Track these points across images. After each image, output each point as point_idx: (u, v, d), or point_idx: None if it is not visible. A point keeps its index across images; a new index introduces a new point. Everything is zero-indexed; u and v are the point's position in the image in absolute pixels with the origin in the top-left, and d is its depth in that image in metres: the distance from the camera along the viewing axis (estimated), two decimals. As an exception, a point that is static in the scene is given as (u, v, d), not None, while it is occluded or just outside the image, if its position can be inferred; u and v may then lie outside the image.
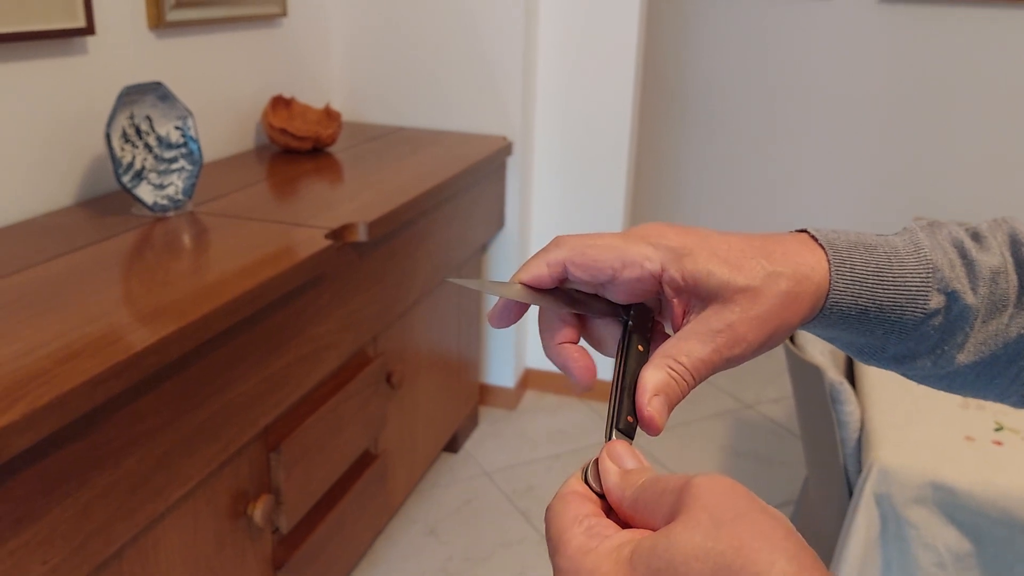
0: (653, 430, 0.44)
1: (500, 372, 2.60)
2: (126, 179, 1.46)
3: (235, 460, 1.28)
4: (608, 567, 0.35)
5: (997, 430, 1.33)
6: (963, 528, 1.20)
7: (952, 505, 1.20)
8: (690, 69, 3.60)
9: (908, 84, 3.36)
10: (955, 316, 0.47)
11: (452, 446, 2.37)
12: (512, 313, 0.49)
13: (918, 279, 0.47)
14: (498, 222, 2.40)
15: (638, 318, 0.48)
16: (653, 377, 0.44)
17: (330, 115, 2.12)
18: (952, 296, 0.47)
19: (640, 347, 0.46)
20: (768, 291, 0.45)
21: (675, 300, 0.46)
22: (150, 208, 1.48)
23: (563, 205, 2.54)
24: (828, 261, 0.46)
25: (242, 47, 2.00)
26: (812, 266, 0.46)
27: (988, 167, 3.36)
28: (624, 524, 0.39)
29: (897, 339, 0.48)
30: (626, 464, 0.41)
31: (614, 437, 0.44)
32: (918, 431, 1.29)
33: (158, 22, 1.68)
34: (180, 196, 1.54)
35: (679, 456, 2.39)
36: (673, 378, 0.44)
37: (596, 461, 0.43)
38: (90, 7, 1.49)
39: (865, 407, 1.32)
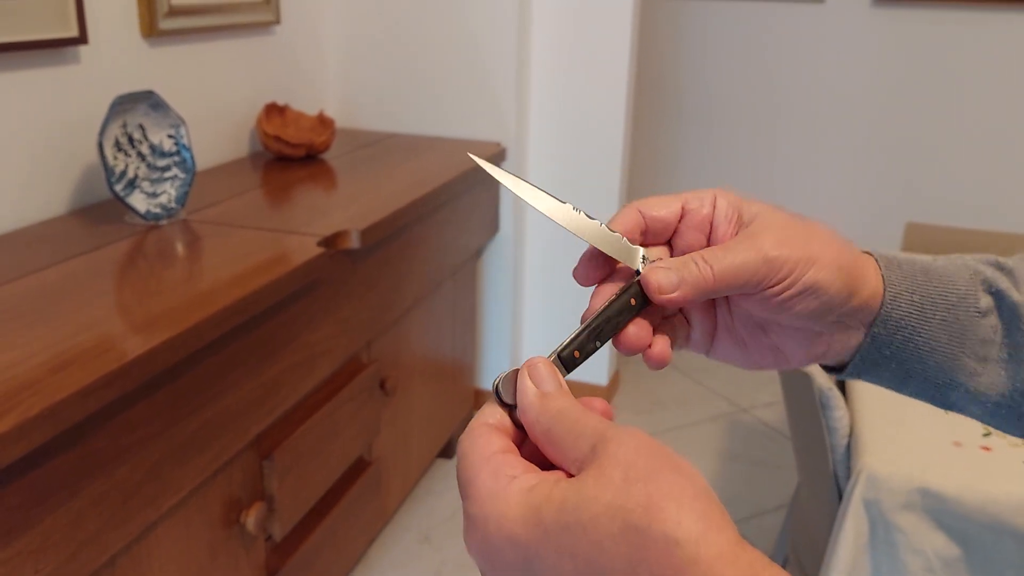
0: (654, 289, 0.45)
1: (496, 376, 2.60)
2: (119, 188, 1.47)
3: (228, 468, 1.28)
4: (516, 513, 0.34)
5: (985, 435, 1.34)
6: (951, 533, 1.21)
7: (940, 511, 1.21)
8: (684, 73, 3.61)
9: (902, 87, 3.37)
10: (1008, 315, 0.47)
11: (447, 451, 2.37)
12: (599, 266, 0.48)
13: (963, 280, 0.47)
14: (492, 227, 2.41)
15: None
16: (670, 261, 0.45)
17: (324, 122, 2.13)
18: (999, 295, 0.47)
19: (633, 301, 0.46)
20: (829, 237, 0.46)
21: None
22: (143, 216, 1.48)
23: (557, 210, 2.54)
24: (876, 262, 0.47)
25: (236, 54, 2.00)
26: (865, 265, 0.46)
27: (983, 170, 3.38)
28: (532, 448, 0.39)
29: (960, 344, 0.47)
30: (545, 386, 0.40)
31: (550, 360, 0.43)
32: (907, 437, 1.30)
33: (151, 30, 1.69)
34: (173, 204, 1.54)
35: (673, 460, 2.39)
36: (696, 264, 0.45)
37: (514, 373, 0.42)
38: (83, 16, 1.50)
39: (854, 413, 1.33)
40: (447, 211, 2.01)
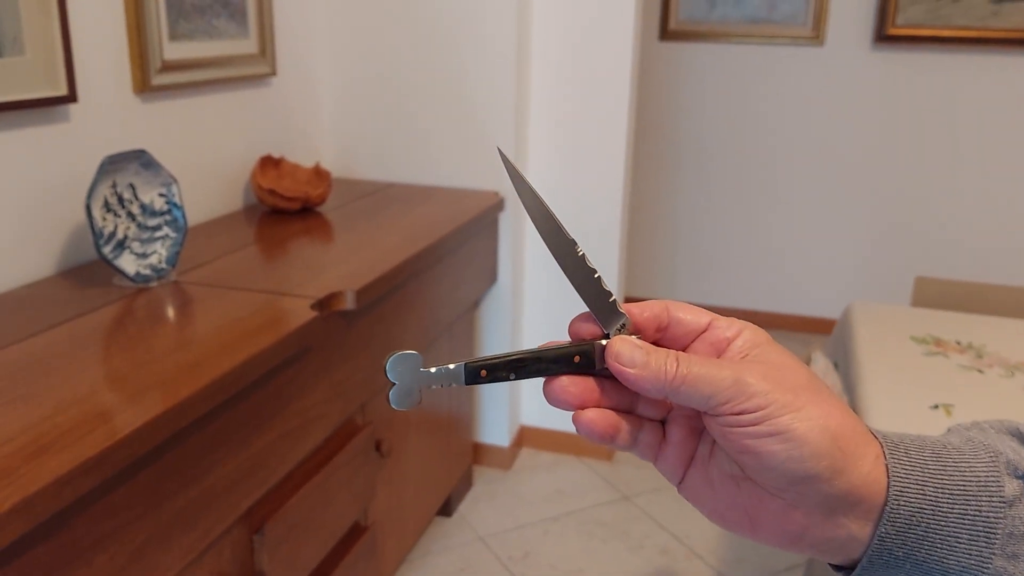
0: (612, 353, 0.44)
1: (494, 430, 2.55)
2: (107, 250, 1.43)
3: (216, 545, 1.23)
4: None
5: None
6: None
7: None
8: (682, 116, 3.60)
9: (905, 132, 3.35)
10: None
11: (446, 509, 2.31)
12: (590, 330, 0.47)
13: (982, 464, 0.41)
14: (490, 278, 2.37)
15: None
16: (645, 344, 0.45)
17: (319, 174, 2.10)
18: None
19: (577, 359, 0.45)
20: (833, 405, 0.42)
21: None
22: (132, 279, 1.44)
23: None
24: (882, 448, 0.42)
25: (231, 108, 1.98)
26: (864, 445, 0.42)
27: (989, 217, 3.34)
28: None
29: (987, 541, 0.40)
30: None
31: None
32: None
33: (143, 86, 1.66)
34: (163, 265, 1.50)
35: (678, 518, 2.33)
36: (667, 356, 0.43)
37: (409, 356, 0.44)
38: (72, 74, 1.47)
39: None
40: (444, 264, 1.97)
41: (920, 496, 0.40)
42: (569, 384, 0.44)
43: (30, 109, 1.43)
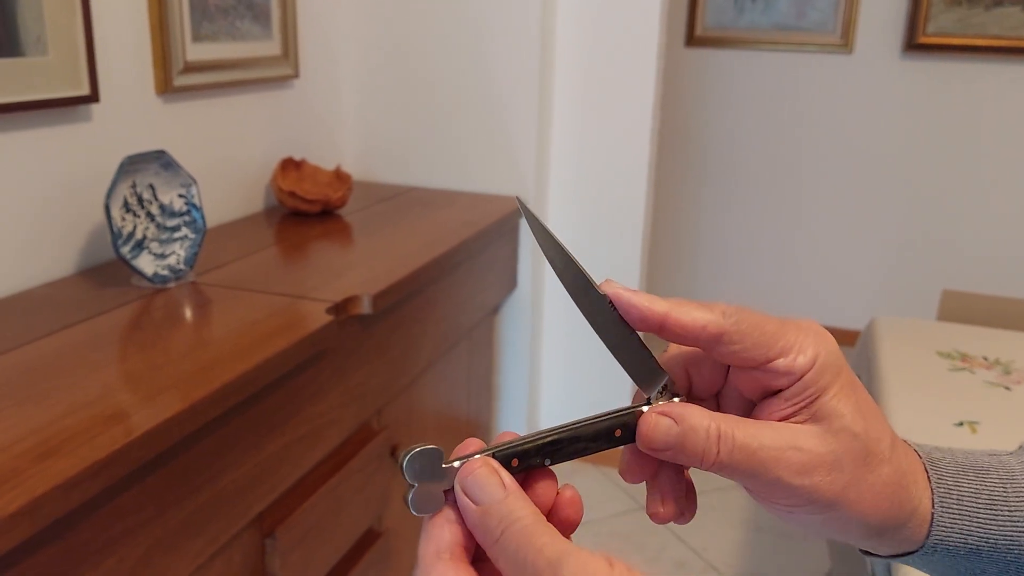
0: (642, 436, 0.39)
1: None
2: (125, 250, 1.43)
3: (226, 550, 1.22)
4: None
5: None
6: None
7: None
8: (708, 124, 3.57)
9: (935, 142, 3.30)
10: None
11: (461, 515, 2.29)
12: (645, 468, 0.42)
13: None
14: (510, 283, 2.35)
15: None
16: (684, 411, 0.38)
17: (340, 177, 2.10)
18: None
19: (619, 432, 0.40)
20: (892, 461, 0.38)
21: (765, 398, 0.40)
22: (150, 279, 1.44)
23: (578, 266, 2.49)
24: (931, 489, 0.39)
25: (253, 109, 1.98)
26: (917, 492, 0.39)
27: (1019, 230, 3.28)
28: None
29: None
30: (485, 497, 0.35)
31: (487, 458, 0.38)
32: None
33: (166, 87, 1.66)
34: (181, 266, 1.50)
35: (695, 530, 2.30)
36: (709, 434, 0.38)
37: (430, 452, 0.37)
38: (94, 75, 1.47)
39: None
40: (464, 269, 1.96)
41: (961, 544, 0.39)
42: (627, 474, 0.41)
43: (52, 109, 1.43)
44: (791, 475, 0.37)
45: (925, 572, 0.42)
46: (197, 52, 1.73)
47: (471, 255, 1.97)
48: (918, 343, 1.64)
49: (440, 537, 0.36)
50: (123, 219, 1.45)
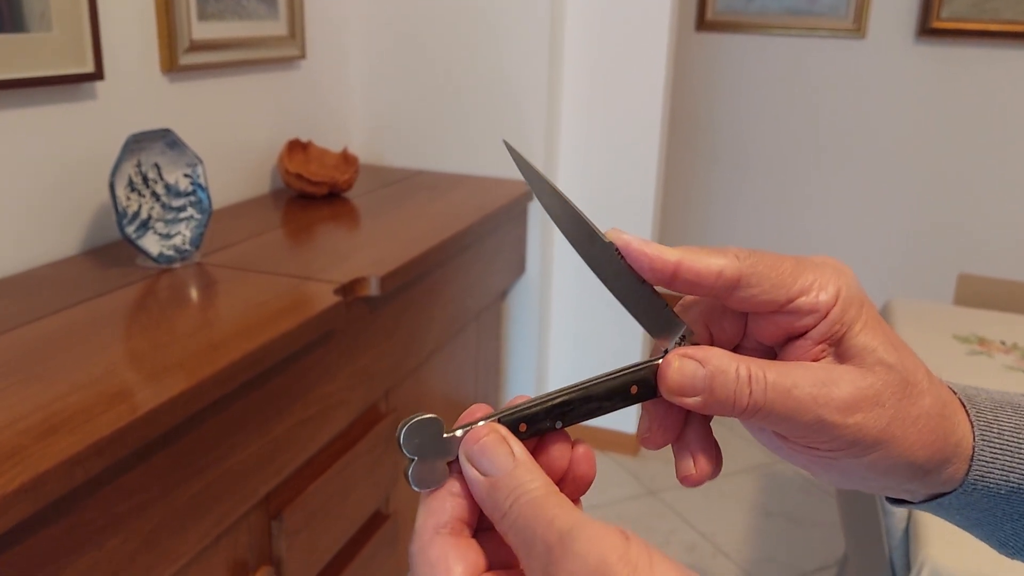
0: (668, 385, 0.36)
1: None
2: (130, 230, 1.41)
3: (233, 531, 1.20)
4: None
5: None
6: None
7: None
8: (719, 109, 3.53)
9: (949, 127, 3.26)
10: None
11: (469, 500, 2.28)
12: (669, 428, 0.39)
13: None
14: (519, 267, 2.33)
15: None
16: (710, 352, 0.36)
17: (347, 159, 2.07)
18: None
19: (635, 390, 0.38)
20: (931, 391, 0.36)
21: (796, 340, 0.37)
22: (155, 259, 1.42)
23: (587, 250, 2.47)
24: (971, 423, 0.37)
25: (259, 90, 1.96)
26: (958, 424, 0.37)
27: (1030, 213, 3.24)
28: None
29: None
30: (492, 470, 0.33)
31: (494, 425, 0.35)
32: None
33: (171, 66, 1.64)
34: (187, 246, 1.48)
35: (705, 515, 2.28)
36: (739, 374, 0.35)
37: (429, 421, 0.35)
38: (99, 52, 1.45)
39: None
40: (472, 253, 1.93)
41: (1002, 482, 0.37)
42: (649, 439, 0.38)
43: (56, 86, 1.41)
44: (833, 413, 0.35)
45: (954, 519, 0.40)
46: (203, 31, 1.71)
47: (479, 238, 1.95)
48: (935, 327, 1.61)
49: (440, 511, 0.34)
50: (128, 198, 1.43)
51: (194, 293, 1.37)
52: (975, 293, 1.85)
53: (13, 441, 0.86)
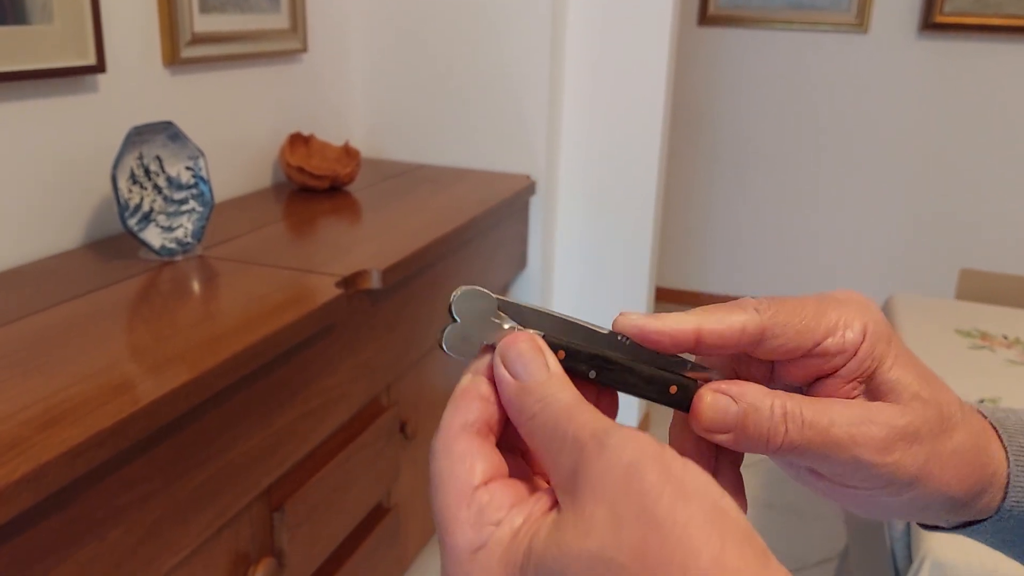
0: (700, 420, 0.34)
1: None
2: (132, 222, 1.41)
3: (234, 523, 1.21)
4: (499, 572, 0.28)
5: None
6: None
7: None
8: (720, 103, 3.53)
9: (951, 122, 3.26)
10: None
11: (470, 494, 2.28)
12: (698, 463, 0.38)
13: None
14: (520, 263, 2.33)
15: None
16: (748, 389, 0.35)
17: (349, 153, 2.07)
18: None
19: (674, 390, 0.36)
20: (965, 425, 0.35)
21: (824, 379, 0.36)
22: (157, 252, 1.42)
23: (587, 245, 2.47)
24: (1004, 449, 0.36)
25: (261, 83, 1.95)
26: (993, 454, 0.36)
27: (1032, 208, 3.24)
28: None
29: None
30: (525, 375, 0.32)
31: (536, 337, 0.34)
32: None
33: (173, 58, 1.64)
34: (189, 239, 1.48)
35: (707, 509, 2.28)
36: (774, 413, 0.34)
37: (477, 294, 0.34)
38: (101, 44, 1.45)
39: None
40: (473, 247, 1.93)
41: None
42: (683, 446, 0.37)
43: (58, 78, 1.41)
44: (871, 453, 0.34)
45: (987, 541, 0.39)
46: (205, 23, 1.71)
47: (481, 233, 1.95)
48: (937, 321, 1.61)
49: (468, 410, 0.33)
50: (130, 191, 1.43)
51: (196, 286, 1.37)
52: (977, 288, 1.84)
53: (15, 432, 0.86)
